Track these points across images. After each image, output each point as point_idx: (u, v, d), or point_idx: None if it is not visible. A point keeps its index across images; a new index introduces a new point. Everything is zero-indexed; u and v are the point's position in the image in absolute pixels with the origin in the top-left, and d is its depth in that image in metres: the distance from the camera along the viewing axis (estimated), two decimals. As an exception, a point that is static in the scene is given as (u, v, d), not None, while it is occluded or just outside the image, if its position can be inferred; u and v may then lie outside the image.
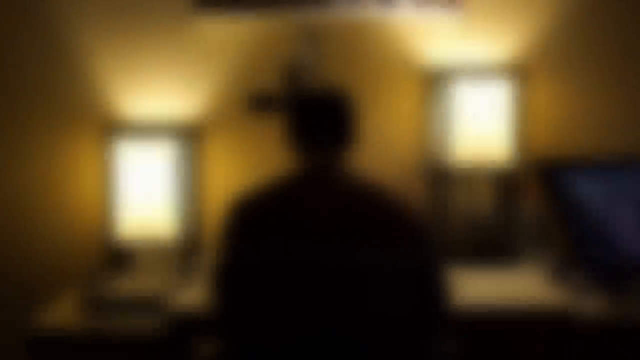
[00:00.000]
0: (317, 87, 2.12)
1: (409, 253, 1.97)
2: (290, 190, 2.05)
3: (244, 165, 3.19)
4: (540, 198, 3.07)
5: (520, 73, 2.94)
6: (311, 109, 2.11)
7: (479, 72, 3.05)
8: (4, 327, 3.14)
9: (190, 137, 3.08)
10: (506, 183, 3.16)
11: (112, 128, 3.05)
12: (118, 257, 3.02)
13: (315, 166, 2.08)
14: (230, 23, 3.14)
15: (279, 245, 1.96)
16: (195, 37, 3.17)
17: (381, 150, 3.20)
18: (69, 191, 3.16)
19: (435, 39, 3.16)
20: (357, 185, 2.04)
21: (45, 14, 3.14)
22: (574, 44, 3.18)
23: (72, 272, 3.13)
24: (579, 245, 2.77)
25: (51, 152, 3.16)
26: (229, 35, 3.15)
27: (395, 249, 1.96)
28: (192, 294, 2.60)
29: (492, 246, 3.21)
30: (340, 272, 1.87)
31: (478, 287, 2.63)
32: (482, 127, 3.00)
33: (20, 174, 3.20)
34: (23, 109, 3.18)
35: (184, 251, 2.97)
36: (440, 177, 2.99)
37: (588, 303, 2.49)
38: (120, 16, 3.17)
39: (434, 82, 3.12)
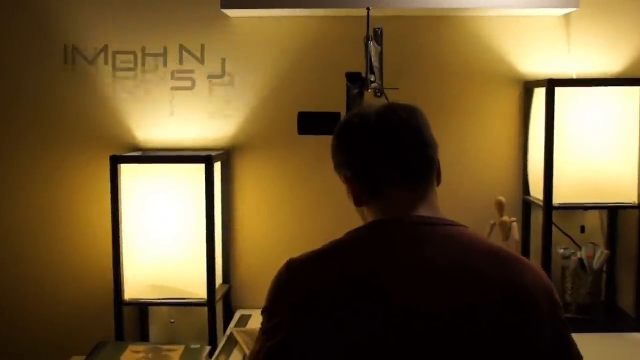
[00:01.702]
0: (386, 103, 1.43)
1: (540, 343, 1.33)
2: (361, 250, 1.40)
3: (282, 200, 2.58)
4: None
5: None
6: (381, 132, 1.46)
7: (593, 82, 2.35)
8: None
9: (220, 162, 2.52)
10: (625, 221, 2.51)
11: (125, 154, 2.43)
12: (131, 314, 2.52)
13: (392, 216, 1.44)
14: (267, 20, 2.49)
15: (344, 332, 1.31)
16: (226, 39, 2.52)
17: (467, 178, 2.54)
18: (78, 229, 2.60)
19: (539, 41, 2.52)
20: (460, 241, 1.39)
21: (61, 37, 2.56)
22: None
23: (79, 332, 2.57)
24: None
25: (61, 179, 2.59)
26: (267, 35, 2.50)
27: (522, 339, 1.32)
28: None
29: (607, 305, 2.55)
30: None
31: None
32: (595, 150, 2.30)
33: (29, 204, 2.62)
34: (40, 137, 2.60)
35: (213, 308, 2.35)
36: (544, 213, 2.33)
37: None
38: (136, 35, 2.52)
39: (535, 94, 2.48)
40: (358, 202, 1.49)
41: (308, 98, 2.50)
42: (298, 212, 2.56)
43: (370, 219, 1.47)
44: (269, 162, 2.56)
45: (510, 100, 2.53)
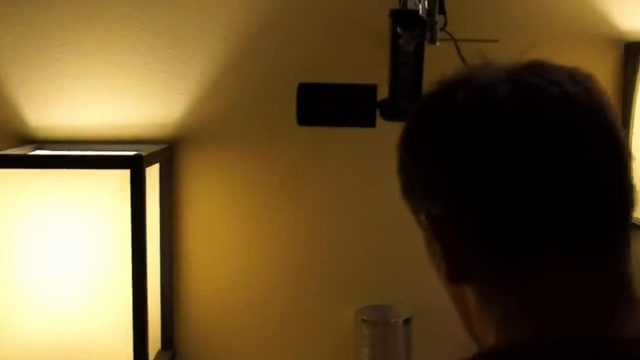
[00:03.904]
0: (523, 63, 0.53)
1: None
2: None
3: (255, 222, 1.72)
4: None
5: None
6: (531, 128, 0.65)
7: None
8: None
9: (159, 163, 1.65)
10: None
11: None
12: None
13: (556, 330, 0.63)
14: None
15: None
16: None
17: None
18: None
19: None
20: None
21: None
22: None
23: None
24: None
25: None
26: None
27: None
28: None
29: None
30: None
31: None
32: None
33: None
34: None
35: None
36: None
37: None
38: None
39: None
40: (455, 275, 0.70)
41: (300, 65, 1.61)
42: (278, 240, 1.70)
43: (485, 324, 0.69)
44: (236, 163, 1.68)
45: (603, 69, 1.71)
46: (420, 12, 0.99)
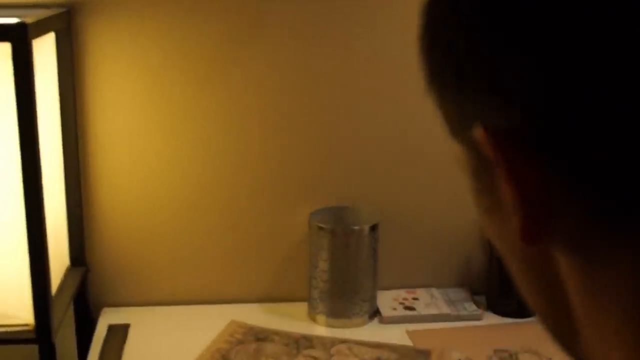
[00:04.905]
0: None
1: None
2: None
3: (180, 104, 1.39)
4: None
5: None
6: None
7: None
8: None
9: (55, 33, 1.31)
10: None
11: None
12: None
13: None
14: None
15: None
16: None
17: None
18: None
19: None
20: None
21: None
22: None
23: None
24: None
25: None
26: None
27: None
28: None
29: None
30: None
31: None
32: None
33: None
34: None
35: (49, 345, 1.20)
36: None
37: None
38: None
39: None
40: (534, 232, 0.37)
41: None
42: (210, 127, 1.38)
43: (599, 325, 0.38)
44: (154, 32, 1.32)
45: None
46: None
